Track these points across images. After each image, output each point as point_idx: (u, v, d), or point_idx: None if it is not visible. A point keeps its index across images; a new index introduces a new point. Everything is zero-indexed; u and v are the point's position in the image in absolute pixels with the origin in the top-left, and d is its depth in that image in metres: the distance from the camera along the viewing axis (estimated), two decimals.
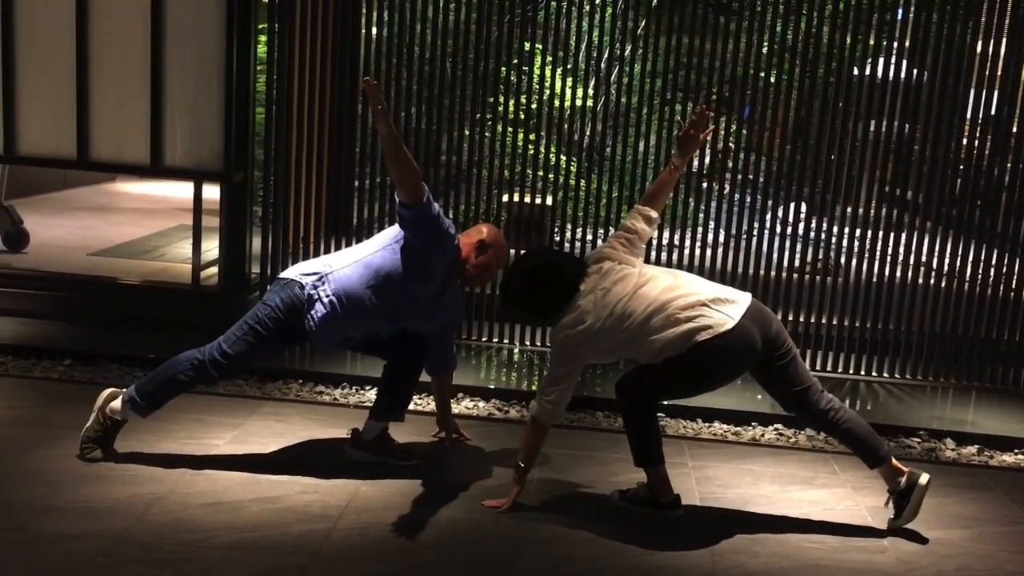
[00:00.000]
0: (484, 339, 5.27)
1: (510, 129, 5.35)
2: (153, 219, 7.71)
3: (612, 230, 5.35)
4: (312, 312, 3.40)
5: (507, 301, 3.40)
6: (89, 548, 2.83)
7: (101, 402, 3.47)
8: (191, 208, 5.24)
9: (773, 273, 5.23)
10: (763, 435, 4.26)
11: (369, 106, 3.37)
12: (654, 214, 3.41)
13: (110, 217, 7.84)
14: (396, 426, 3.77)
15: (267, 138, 5.27)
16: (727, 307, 3.14)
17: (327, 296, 3.40)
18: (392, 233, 3.49)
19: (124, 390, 3.48)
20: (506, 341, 5.28)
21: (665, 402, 4.16)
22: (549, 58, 5.41)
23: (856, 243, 5.28)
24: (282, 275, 3.57)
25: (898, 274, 5.20)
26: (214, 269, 5.33)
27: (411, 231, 3.37)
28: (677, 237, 5.29)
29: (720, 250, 5.25)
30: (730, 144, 5.39)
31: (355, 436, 3.63)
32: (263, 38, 5.38)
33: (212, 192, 5.30)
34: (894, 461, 3.34)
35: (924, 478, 3.28)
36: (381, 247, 3.47)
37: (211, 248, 5.35)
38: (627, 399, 3.26)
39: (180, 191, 8.22)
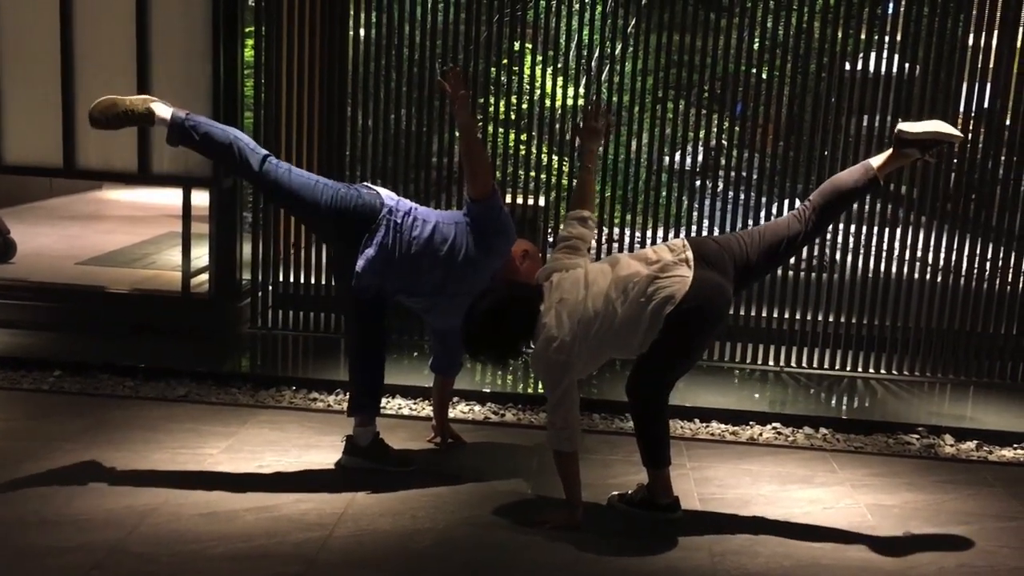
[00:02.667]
0: None
1: (501, 130, 5.32)
2: (142, 227, 7.67)
3: (606, 230, 5.34)
4: (377, 232, 3.37)
5: (471, 351, 3.27)
6: (83, 561, 2.79)
7: (152, 97, 3.38)
8: (180, 215, 5.20)
9: None
10: (761, 434, 4.24)
11: (450, 93, 3.36)
12: (586, 213, 3.43)
13: (98, 225, 7.80)
14: (391, 432, 3.74)
15: (256, 141, 5.21)
16: (676, 269, 3.12)
17: (396, 231, 3.38)
18: (461, 215, 3.51)
19: (175, 109, 3.36)
20: None
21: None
22: (539, 58, 5.38)
23: (851, 239, 5.27)
24: (368, 184, 3.56)
25: (893, 270, 5.19)
26: (204, 276, 5.29)
27: (477, 225, 3.41)
28: (671, 235, 5.26)
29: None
30: (723, 141, 5.37)
31: (349, 443, 3.60)
32: (250, 42, 5.35)
33: (201, 198, 5.26)
34: (881, 159, 3.26)
35: (897, 129, 3.20)
36: (454, 221, 3.48)
37: (201, 255, 5.31)
38: (638, 399, 3.23)
39: (169, 198, 8.19)
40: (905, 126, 3.19)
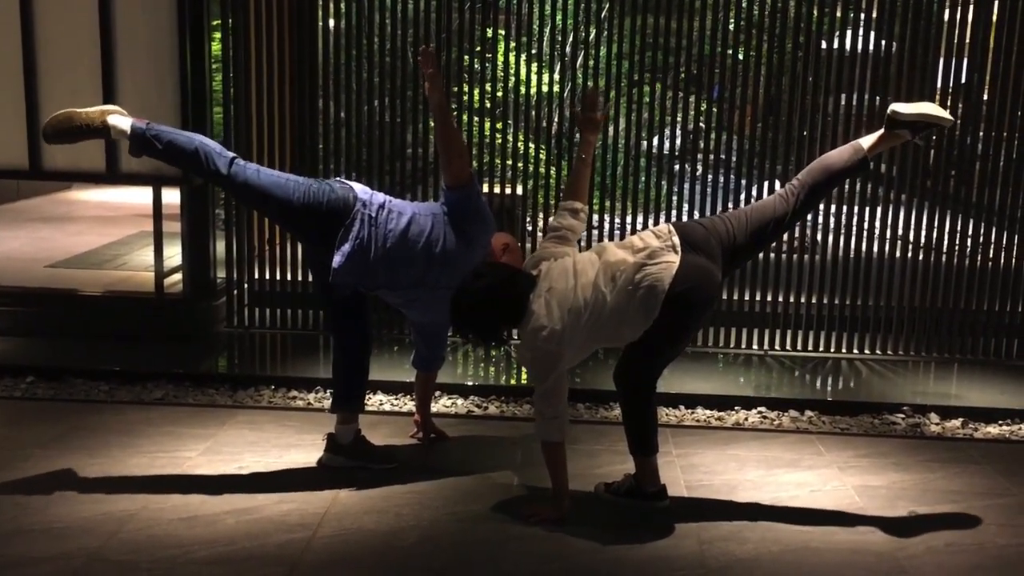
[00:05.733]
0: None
1: (476, 119, 5.26)
2: (112, 227, 7.57)
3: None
4: (352, 227, 3.32)
5: (458, 325, 3.23)
6: (61, 570, 2.75)
7: (110, 108, 3.30)
8: (151, 214, 5.11)
9: None
10: (747, 419, 4.22)
11: (423, 72, 3.30)
12: (579, 205, 3.39)
13: (68, 227, 7.69)
14: (373, 428, 3.70)
15: (226, 138, 5.15)
16: (663, 256, 3.09)
17: (371, 225, 3.33)
18: (439, 206, 3.46)
19: (135, 120, 3.29)
20: None
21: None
22: (513, 44, 5.32)
23: (832, 219, 5.25)
24: (345, 180, 3.50)
25: (875, 249, 5.18)
26: (178, 276, 5.21)
27: (454, 215, 3.35)
28: (651, 221, 5.22)
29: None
30: (701, 124, 5.33)
31: (331, 441, 3.56)
32: (217, 35, 5.26)
33: (172, 196, 5.17)
34: (872, 139, 3.24)
35: (889, 110, 3.19)
36: (431, 212, 3.42)
37: (174, 254, 5.24)
38: (628, 387, 3.21)
39: (139, 197, 8.07)
40: (898, 106, 3.17)
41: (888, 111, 3.19)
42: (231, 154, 3.34)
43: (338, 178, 3.57)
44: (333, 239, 3.32)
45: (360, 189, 3.42)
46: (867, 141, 3.25)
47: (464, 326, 3.21)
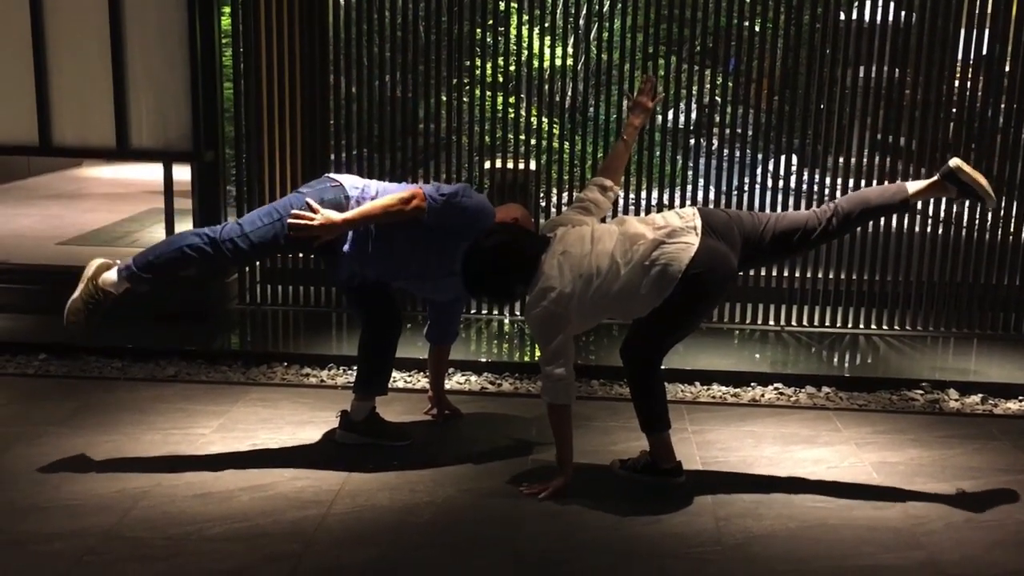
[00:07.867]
0: (473, 311, 5.17)
1: (489, 93, 5.20)
2: (123, 204, 7.57)
3: None
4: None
5: (470, 285, 3.24)
6: (76, 547, 2.75)
7: (92, 272, 3.27)
8: (162, 191, 5.08)
9: None
10: (763, 395, 4.18)
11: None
12: (608, 183, 3.40)
13: (79, 204, 7.69)
14: (387, 405, 3.68)
15: (237, 114, 5.12)
16: (683, 236, 3.08)
17: None
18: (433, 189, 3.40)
19: (118, 261, 3.28)
20: (496, 313, 5.18)
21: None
22: (526, 17, 5.24)
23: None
24: (332, 175, 3.43)
25: (893, 223, 5.11)
26: None
27: (443, 223, 3.29)
28: (667, 195, 5.17)
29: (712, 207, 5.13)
30: (716, 98, 5.26)
31: (344, 418, 3.54)
32: (227, 9, 5.21)
33: (183, 172, 5.14)
34: (919, 185, 3.22)
35: (953, 162, 3.17)
36: (428, 197, 3.35)
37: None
38: (633, 363, 3.20)
39: (150, 173, 8.07)
40: (961, 163, 3.15)
41: (950, 163, 3.15)
42: (213, 234, 3.26)
43: (327, 175, 3.48)
44: (336, 243, 3.30)
45: (350, 184, 3.35)
46: (913, 186, 3.23)
47: (476, 286, 3.21)
